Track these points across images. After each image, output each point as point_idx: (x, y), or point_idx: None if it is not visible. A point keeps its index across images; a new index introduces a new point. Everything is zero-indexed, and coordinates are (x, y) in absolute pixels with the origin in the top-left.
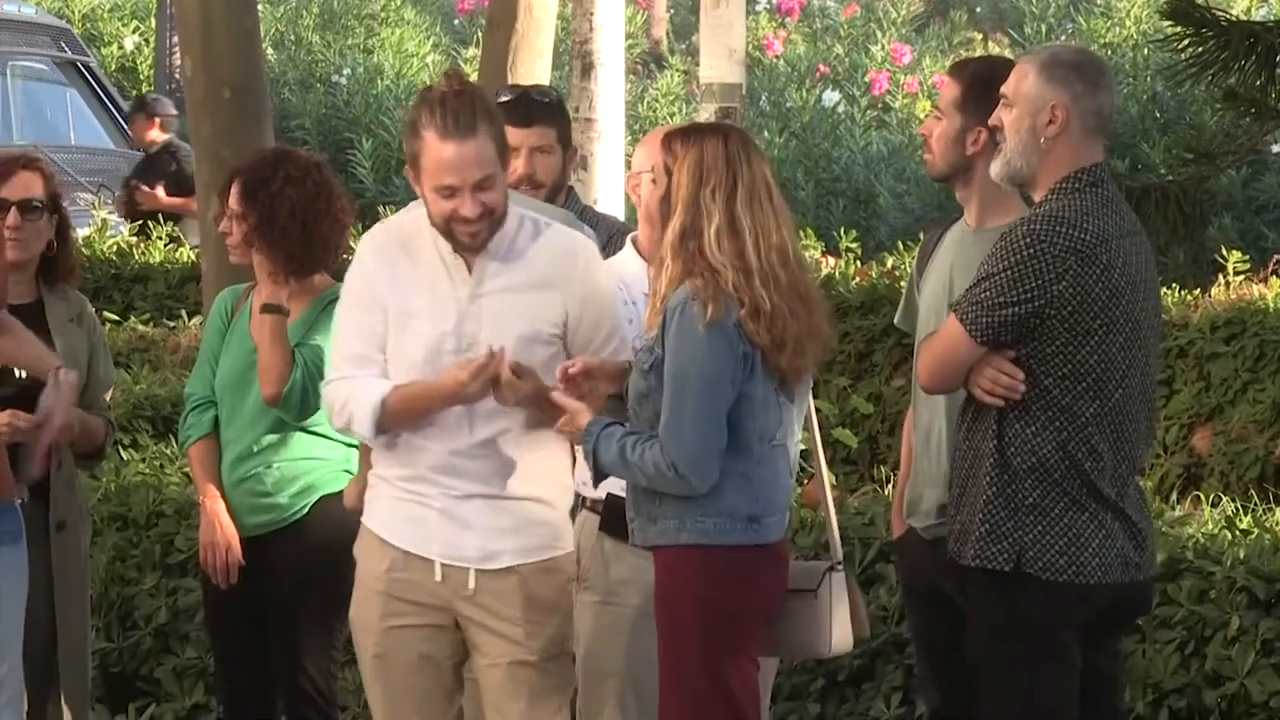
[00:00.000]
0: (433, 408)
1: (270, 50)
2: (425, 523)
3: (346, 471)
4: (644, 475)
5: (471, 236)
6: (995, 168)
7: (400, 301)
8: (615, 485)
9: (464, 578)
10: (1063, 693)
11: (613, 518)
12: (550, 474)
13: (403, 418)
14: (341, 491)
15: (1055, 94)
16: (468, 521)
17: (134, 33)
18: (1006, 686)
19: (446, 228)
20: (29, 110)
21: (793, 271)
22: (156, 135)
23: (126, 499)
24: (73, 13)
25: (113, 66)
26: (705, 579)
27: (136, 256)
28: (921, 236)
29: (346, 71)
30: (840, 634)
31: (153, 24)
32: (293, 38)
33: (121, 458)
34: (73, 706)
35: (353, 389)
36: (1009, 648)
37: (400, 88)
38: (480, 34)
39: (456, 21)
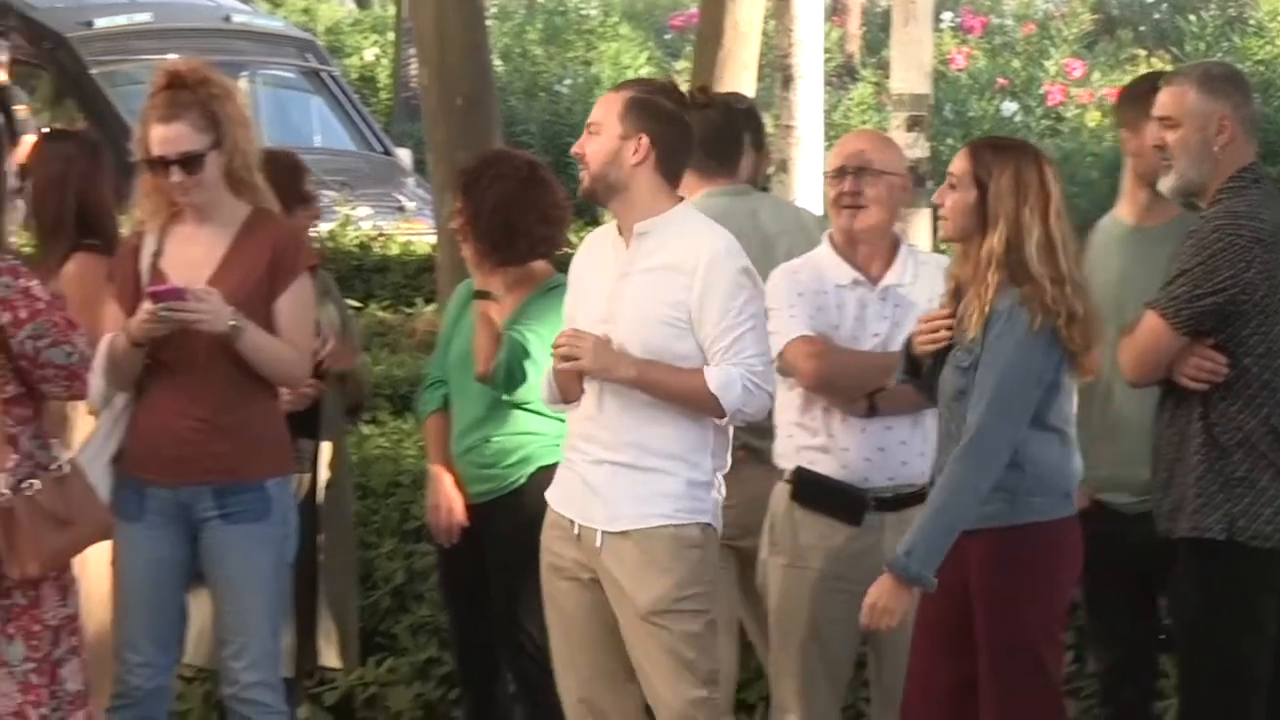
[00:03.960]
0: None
1: (498, 62)
2: (570, 485)
3: (560, 445)
4: (963, 502)
5: (580, 180)
6: (1168, 183)
7: (578, 280)
8: (804, 459)
9: (593, 538)
10: (1261, 657)
11: (803, 488)
12: (676, 446)
13: (562, 389)
14: (558, 464)
15: (1219, 106)
16: (597, 486)
17: (373, 45)
18: (1212, 649)
19: None
20: (276, 115)
21: (1084, 275)
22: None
23: (367, 470)
24: (317, 26)
25: (354, 76)
26: (1040, 553)
27: (376, 249)
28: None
29: (568, 81)
30: None
31: (391, 37)
32: (519, 50)
33: (363, 432)
34: (341, 647)
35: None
36: (1217, 613)
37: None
38: (690, 48)
39: (668, 36)
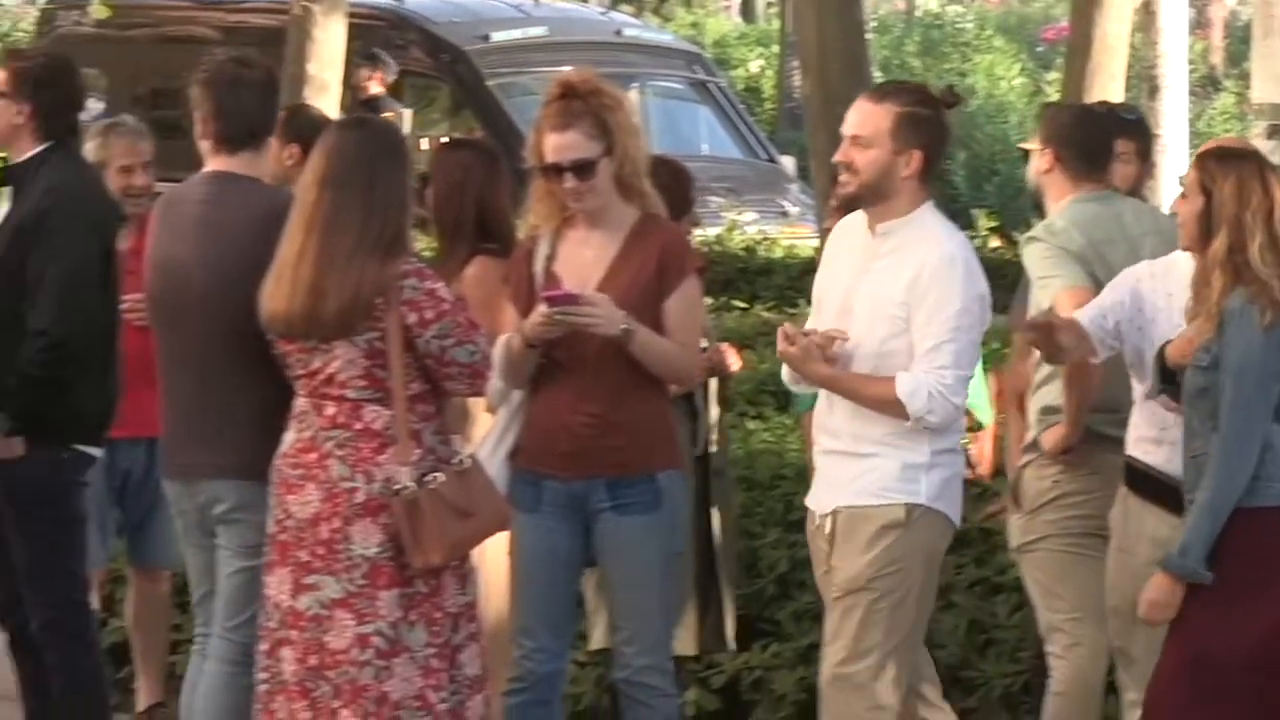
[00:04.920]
0: None
1: (877, 72)
2: (814, 478)
3: None
4: (1227, 500)
5: (840, 185)
6: None
7: (828, 264)
8: (1139, 449)
9: (824, 525)
10: None
11: (1133, 477)
12: (890, 431)
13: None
14: None
15: None
16: (825, 474)
17: (758, 57)
18: None
19: None
20: (665, 125)
21: None
22: (374, 88)
23: (752, 463)
24: (705, 39)
25: (740, 87)
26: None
27: (761, 252)
28: None
29: None
30: None
31: (776, 50)
32: (897, 62)
33: (748, 427)
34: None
35: None
36: None
37: (990, 106)
38: (1061, 60)
39: (1040, 49)
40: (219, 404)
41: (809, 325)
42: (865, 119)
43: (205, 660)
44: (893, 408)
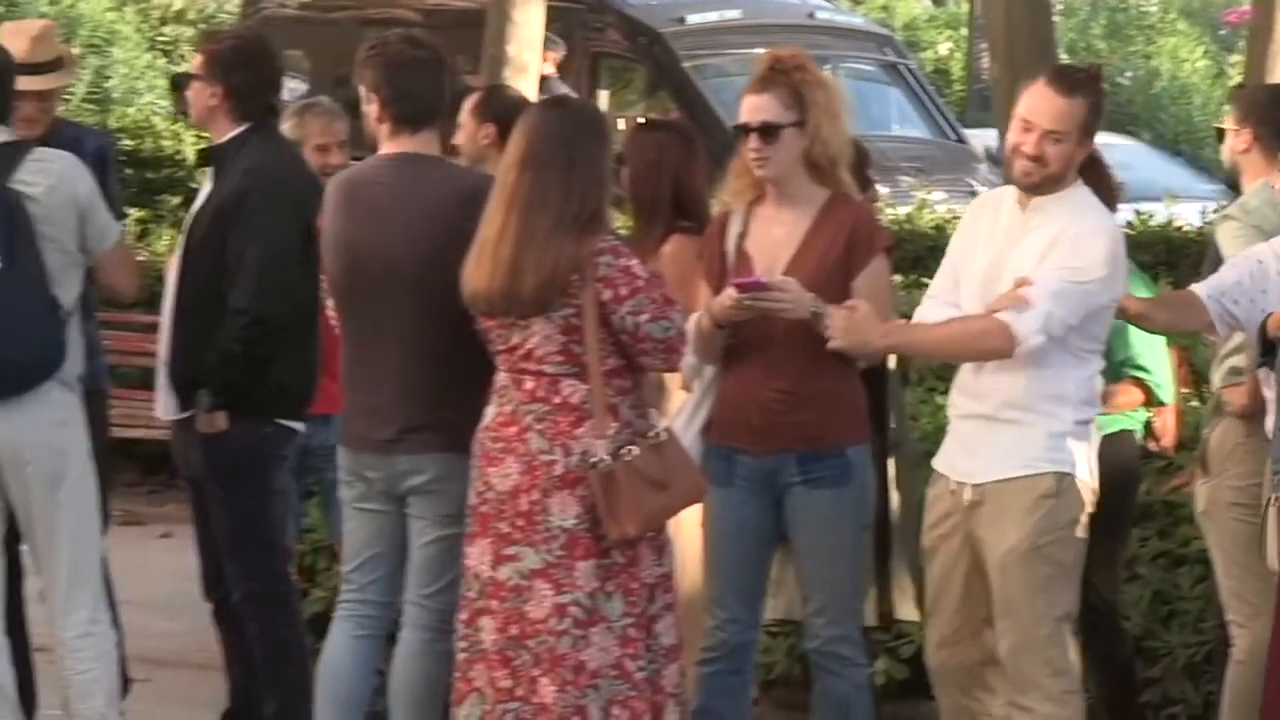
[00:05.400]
0: None
1: (1064, 55)
2: (947, 443)
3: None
4: None
5: (1024, 174)
6: None
7: (970, 231)
8: None
9: (963, 493)
10: None
11: None
12: (1031, 398)
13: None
14: (1121, 431)
15: None
16: (966, 440)
17: (948, 40)
18: None
19: (1009, 158)
20: (856, 105)
21: None
22: (545, 68)
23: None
24: (895, 22)
25: (929, 69)
26: None
27: (950, 230)
28: None
29: (1128, 74)
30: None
31: (965, 33)
32: (1083, 45)
33: (937, 403)
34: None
35: None
36: None
37: (1174, 88)
38: (1243, 43)
39: (1223, 32)
40: (424, 380)
41: (933, 293)
42: (1060, 115)
43: (352, 624)
44: (992, 337)
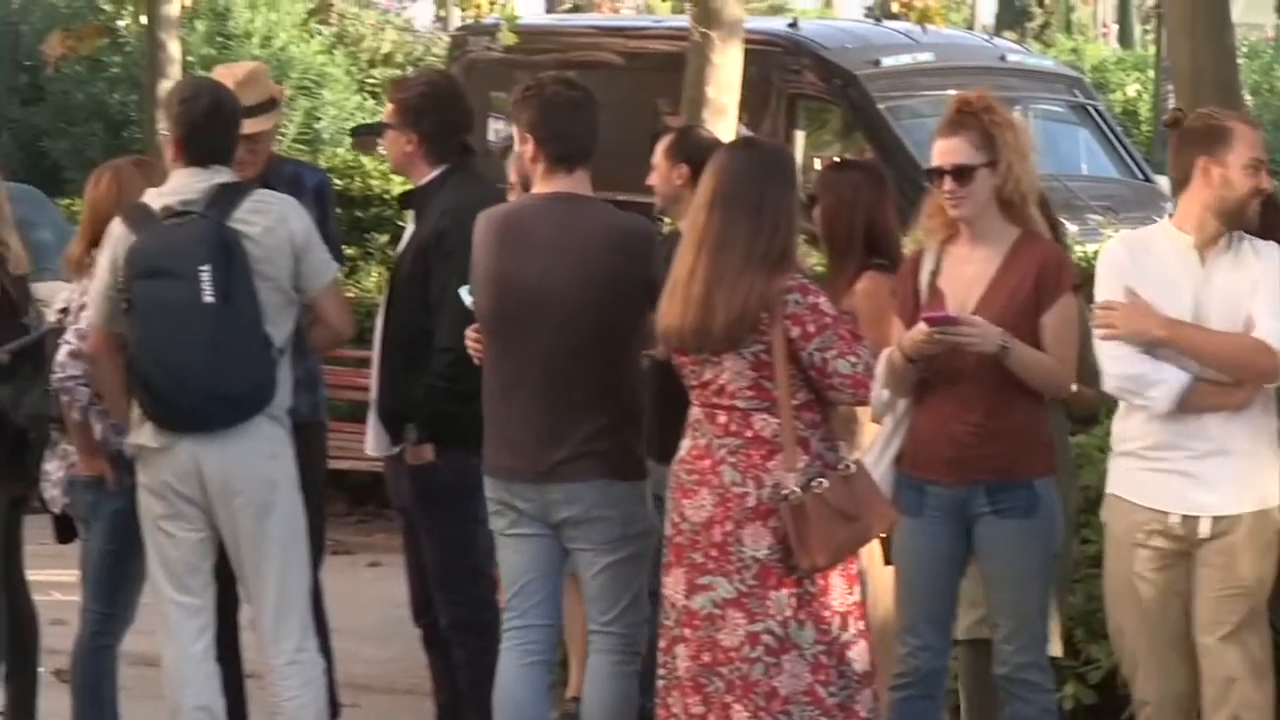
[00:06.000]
0: None
1: (1248, 96)
2: (1161, 480)
3: None
4: None
5: (1255, 213)
6: None
7: (1140, 271)
8: None
9: (1194, 525)
10: None
11: None
12: (1251, 437)
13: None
14: None
15: None
16: (1194, 474)
17: (1135, 81)
18: None
19: (1244, 199)
20: (1046, 145)
21: None
22: None
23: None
24: (1084, 64)
25: (1117, 110)
26: None
27: None
28: None
29: None
30: None
31: (1151, 74)
32: (1267, 86)
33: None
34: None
35: None
36: None
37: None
38: None
39: None
40: (572, 413)
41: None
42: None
43: (519, 653)
44: (1255, 355)
